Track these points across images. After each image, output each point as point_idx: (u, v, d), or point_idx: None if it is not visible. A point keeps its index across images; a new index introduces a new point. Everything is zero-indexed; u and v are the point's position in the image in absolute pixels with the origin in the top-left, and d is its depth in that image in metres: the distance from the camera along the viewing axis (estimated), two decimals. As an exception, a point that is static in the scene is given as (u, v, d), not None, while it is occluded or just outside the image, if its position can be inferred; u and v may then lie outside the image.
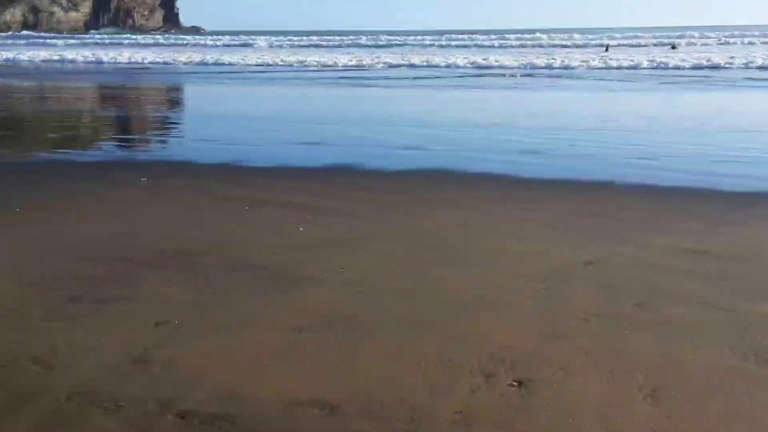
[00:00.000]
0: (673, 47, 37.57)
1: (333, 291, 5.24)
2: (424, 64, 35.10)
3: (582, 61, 33.56)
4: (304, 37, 68.54)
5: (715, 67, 29.99)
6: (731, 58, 32.80)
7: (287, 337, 4.48)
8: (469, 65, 34.45)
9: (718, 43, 51.30)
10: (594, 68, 32.01)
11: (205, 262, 5.87)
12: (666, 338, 4.41)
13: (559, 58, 36.29)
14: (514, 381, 3.91)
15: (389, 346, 4.35)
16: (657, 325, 4.60)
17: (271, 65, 37.81)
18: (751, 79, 26.36)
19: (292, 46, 59.58)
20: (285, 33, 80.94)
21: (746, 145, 11.58)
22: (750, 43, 51.63)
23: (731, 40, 54.00)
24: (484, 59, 36.33)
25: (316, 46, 59.50)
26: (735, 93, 22.41)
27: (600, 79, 27.27)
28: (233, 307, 4.95)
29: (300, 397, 3.75)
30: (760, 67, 29.62)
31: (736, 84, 24.66)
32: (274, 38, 66.90)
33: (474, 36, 62.84)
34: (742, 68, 30.07)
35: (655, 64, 31.85)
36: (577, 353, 4.23)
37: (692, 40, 53.16)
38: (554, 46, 52.84)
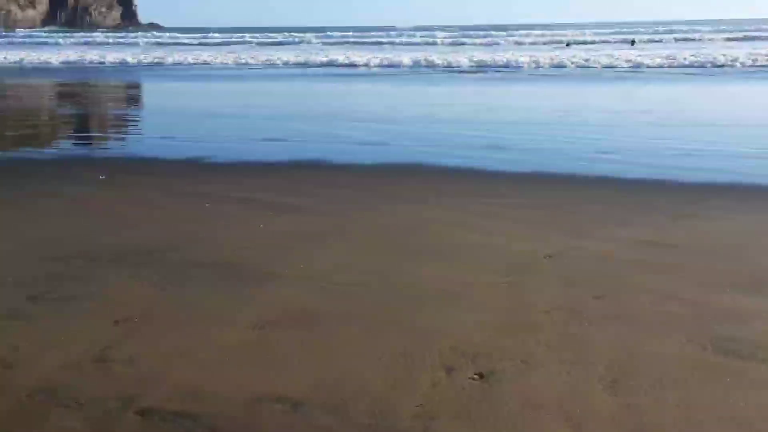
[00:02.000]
0: (633, 43, 37.74)
1: (295, 287, 5.21)
2: (385, 63, 34.89)
3: (532, 58, 33.42)
4: (269, 34, 67.88)
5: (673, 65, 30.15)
6: (692, 55, 33.04)
7: (249, 333, 4.45)
8: (436, 62, 34.27)
9: (676, 39, 51.62)
10: (551, 65, 32.02)
11: (165, 259, 5.81)
12: (626, 330, 4.46)
13: (517, 54, 36.38)
14: (476, 374, 3.94)
15: (351, 341, 4.35)
16: (617, 317, 4.65)
17: (227, 64, 37.19)
18: (693, 75, 26.80)
19: (260, 43, 58.70)
20: (243, 30, 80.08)
21: (705, 138, 11.78)
22: (709, 39, 52.21)
23: (696, 36, 54.30)
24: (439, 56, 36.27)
25: (279, 43, 58.88)
26: (696, 87, 22.78)
27: (560, 75, 27.52)
28: (194, 304, 4.90)
29: (262, 393, 3.73)
30: (718, 64, 30.06)
31: (695, 78, 25.05)
32: (234, 34, 66.12)
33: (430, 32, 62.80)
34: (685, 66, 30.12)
35: (611, 61, 31.85)
36: (538, 345, 4.27)
37: (656, 36, 53.56)
38: (521, 42, 53.08)
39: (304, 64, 35.01)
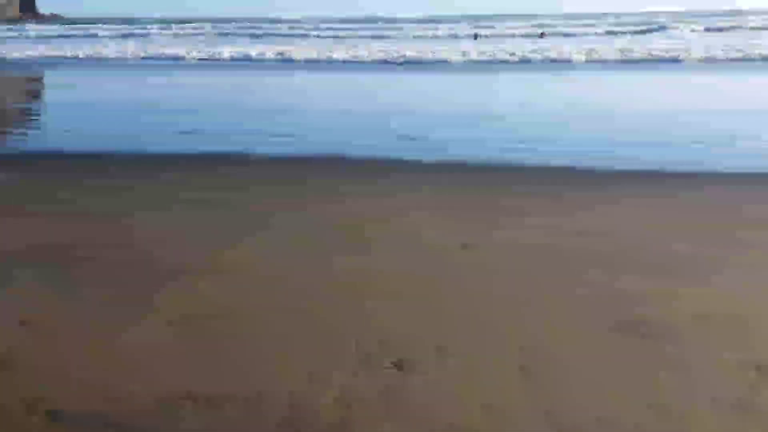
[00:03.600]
0: (542, 35, 38.17)
1: (210, 283, 5.13)
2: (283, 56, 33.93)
3: (432, 51, 32.99)
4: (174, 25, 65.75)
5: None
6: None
7: (162, 330, 4.36)
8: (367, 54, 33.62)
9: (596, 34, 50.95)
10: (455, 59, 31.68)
11: (73, 256, 5.62)
12: (540, 315, 4.58)
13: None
14: (393, 363, 3.97)
15: (267, 336, 4.32)
16: (532, 303, 4.77)
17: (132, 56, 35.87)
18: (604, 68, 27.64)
19: (178, 35, 56.62)
20: (137, 21, 77.23)
21: (611, 127, 12.17)
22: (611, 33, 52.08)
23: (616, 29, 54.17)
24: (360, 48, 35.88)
25: (199, 33, 56.87)
26: (602, 80, 23.47)
27: (471, 69, 27.91)
28: (105, 303, 4.76)
29: (175, 392, 3.66)
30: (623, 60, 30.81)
31: (615, 71, 25.78)
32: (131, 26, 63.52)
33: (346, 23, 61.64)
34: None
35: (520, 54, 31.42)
36: (454, 333, 4.33)
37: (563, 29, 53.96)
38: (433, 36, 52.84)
39: (214, 58, 34.11)
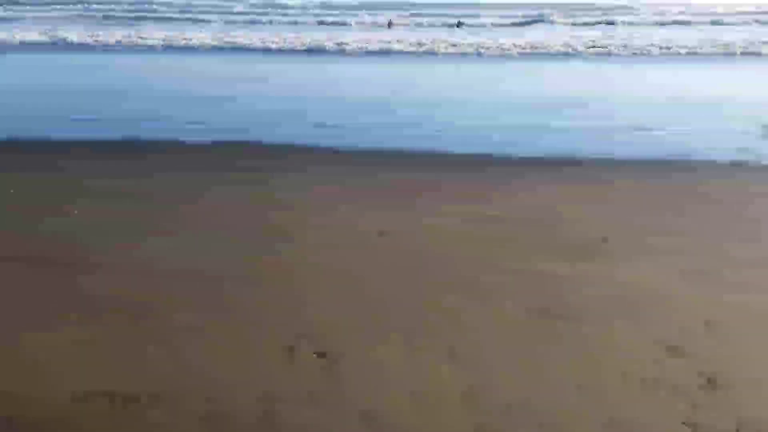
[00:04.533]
0: (389, 25, 37.38)
1: (124, 277, 4.98)
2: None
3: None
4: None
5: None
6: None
7: (75, 329, 4.20)
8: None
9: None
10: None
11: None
12: (458, 299, 4.65)
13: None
14: (316, 353, 3.95)
15: (186, 330, 4.22)
16: (449, 289, 4.83)
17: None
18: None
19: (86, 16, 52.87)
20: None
21: (524, 115, 12.41)
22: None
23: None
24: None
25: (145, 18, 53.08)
26: (512, 68, 23.90)
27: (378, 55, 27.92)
28: (11, 302, 4.55)
29: (90, 391, 3.54)
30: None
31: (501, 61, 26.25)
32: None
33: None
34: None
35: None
36: (377, 321, 4.35)
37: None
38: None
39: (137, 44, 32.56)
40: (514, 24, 37.29)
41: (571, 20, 36.72)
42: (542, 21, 37.22)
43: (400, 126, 11.38)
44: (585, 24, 36.11)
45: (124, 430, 3.30)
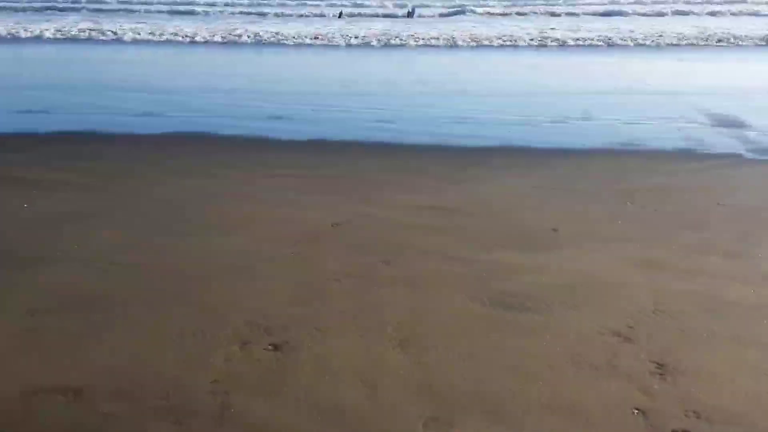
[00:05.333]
0: (340, 15, 36.68)
1: (70, 270, 4.88)
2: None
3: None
4: None
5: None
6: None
7: (21, 323, 4.11)
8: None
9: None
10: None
11: None
12: (412, 291, 4.66)
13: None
14: (271, 345, 3.93)
15: (137, 323, 4.16)
16: (404, 280, 4.84)
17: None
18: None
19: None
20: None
21: (474, 106, 12.47)
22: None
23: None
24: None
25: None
26: (460, 59, 24.00)
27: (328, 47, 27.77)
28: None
29: (39, 385, 3.47)
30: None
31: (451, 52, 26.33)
32: None
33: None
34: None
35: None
36: (330, 313, 4.34)
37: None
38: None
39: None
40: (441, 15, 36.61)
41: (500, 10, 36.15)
42: (463, 13, 36.49)
43: (352, 117, 11.34)
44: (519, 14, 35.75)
45: (79, 425, 3.25)
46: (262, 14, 35.13)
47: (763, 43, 20.09)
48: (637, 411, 3.44)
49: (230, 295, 4.53)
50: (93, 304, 4.37)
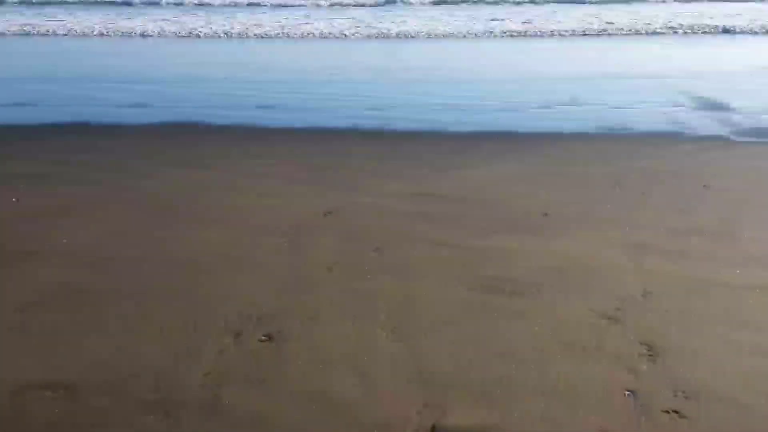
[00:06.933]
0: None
1: (60, 264, 4.87)
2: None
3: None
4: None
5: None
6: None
7: (10, 318, 4.11)
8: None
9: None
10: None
11: None
12: (403, 278, 4.68)
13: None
14: (263, 336, 3.94)
15: (128, 317, 4.16)
16: (395, 267, 4.86)
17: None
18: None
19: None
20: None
21: (464, 93, 12.46)
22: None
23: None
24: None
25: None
26: (447, 46, 23.92)
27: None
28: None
29: (30, 381, 3.48)
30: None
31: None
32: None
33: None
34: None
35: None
36: (322, 302, 4.35)
37: None
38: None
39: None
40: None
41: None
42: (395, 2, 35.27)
43: (343, 104, 11.31)
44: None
45: (69, 421, 3.26)
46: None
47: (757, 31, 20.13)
48: (627, 392, 3.49)
49: (221, 287, 4.54)
50: (83, 298, 4.37)
